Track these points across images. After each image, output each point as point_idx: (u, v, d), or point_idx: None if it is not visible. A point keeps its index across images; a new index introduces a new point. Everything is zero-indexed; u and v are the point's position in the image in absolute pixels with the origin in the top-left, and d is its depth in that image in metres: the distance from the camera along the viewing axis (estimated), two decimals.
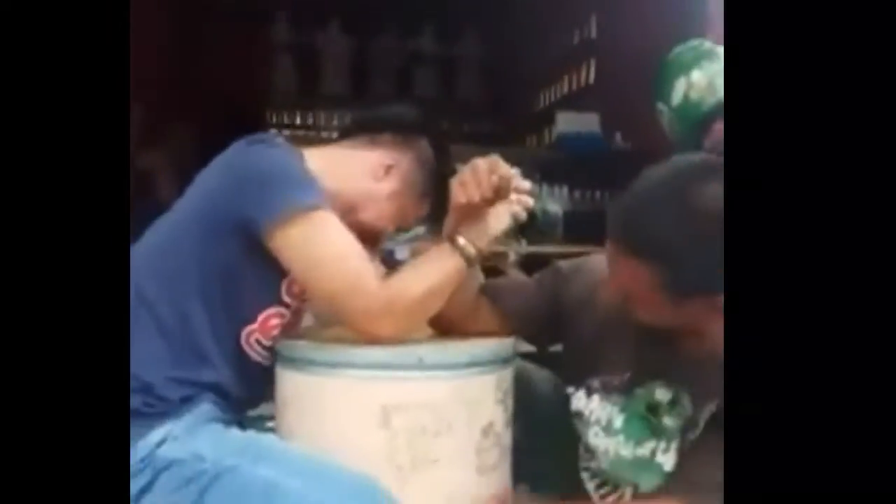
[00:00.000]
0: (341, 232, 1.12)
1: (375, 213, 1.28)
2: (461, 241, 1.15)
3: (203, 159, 1.20)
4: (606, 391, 1.21)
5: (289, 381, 1.16)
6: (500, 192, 1.15)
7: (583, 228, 3.24)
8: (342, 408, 1.10)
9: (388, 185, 1.28)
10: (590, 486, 1.27)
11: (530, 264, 3.18)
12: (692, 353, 1.13)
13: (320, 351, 1.13)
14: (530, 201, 1.18)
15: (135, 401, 1.05)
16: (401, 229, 1.52)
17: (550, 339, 1.36)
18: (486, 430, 1.13)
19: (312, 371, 1.12)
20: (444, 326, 1.26)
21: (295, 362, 1.14)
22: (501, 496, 1.17)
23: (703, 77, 1.85)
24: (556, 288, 1.29)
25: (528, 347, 1.36)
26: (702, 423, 1.13)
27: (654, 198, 1.06)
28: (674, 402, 1.15)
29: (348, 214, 1.22)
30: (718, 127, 2.01)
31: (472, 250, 1.16)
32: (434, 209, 1.30)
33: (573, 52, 4.29)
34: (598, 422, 1.22)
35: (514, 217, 1.17)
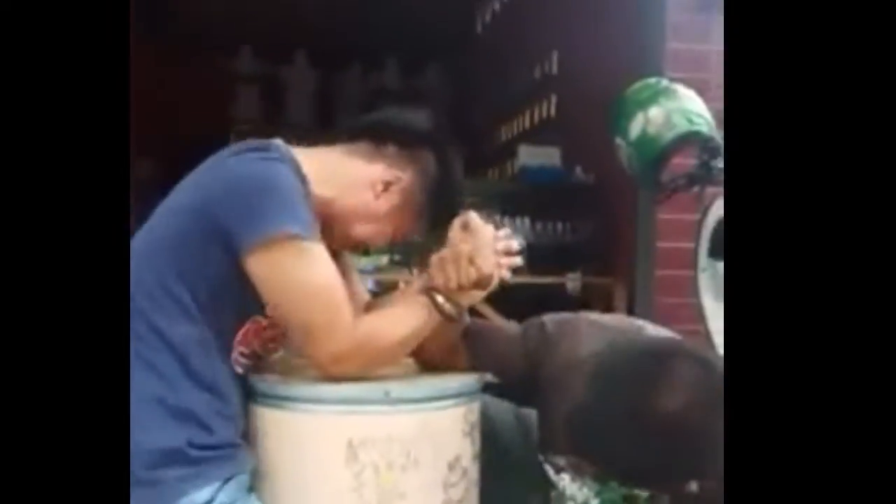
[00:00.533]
0: (324, 266, 1.08)
1: (369, 230, 1.22)
2: (440, 299, 1.14)
3: (166, 193, 1.17)
4: (577, 473, 1.19)
5: (257, 416, 1.15)
6: (480, 283, 1.14)
7: (545, 259, 3.29)
8: (309, 443, 1.10)
9: (387, 203, 1.20)
10: None
11: (494, 295, 3.19)
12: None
13: (286, 386, 1.13)
14: (519, 261, 1.17)
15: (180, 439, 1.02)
16: (366, 253, 1.48)
17: (524, 399, 1.32)
18: (453, 465, 1.13)
19: (278, 406, 1.11)
20: (423, 361, 1.26)
21: (261, 397, 1.14)
22: None
23: (661, 113, 1.91)
24: (537, 348, 1.24)
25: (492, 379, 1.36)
26: None
27: (607, 400, 0.98)
28: (651, 499, 1.13)
29: (340, 226, 1.18)
30: (675, 161, 2.07)
31: (451, 310, 1.14)
32: (431, 226, 1.25)
33: (535, 86, 4.37)
34: (573, 498, 1.20)
35: (501, 281, 1.16)
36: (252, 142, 1.14)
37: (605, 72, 3.00)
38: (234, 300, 1.09)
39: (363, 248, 1.28)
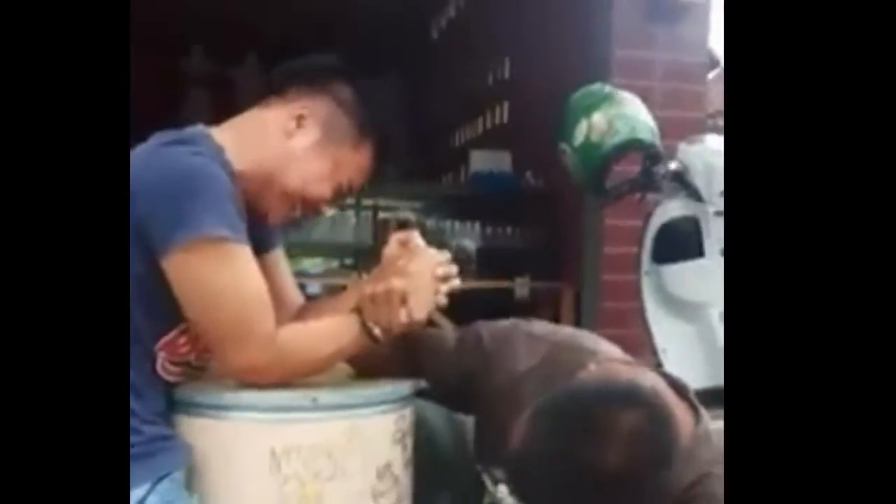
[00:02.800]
0: (247, 270, 1.03)
1: (300, 176, 1.12)
2: (371, 324, 1.10)
3: None
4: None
5: (181, 426, 1.11)
6: (411, 327, 1.11)
7: (494, 263, 3.30)
8: (232, 453, 1.06)
9: (305, 138, 1.12)
10: None
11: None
12: None
13: (208, 393, 1.09)
14: (457, 283, 1.14)
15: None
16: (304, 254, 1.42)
17: (459, 408, 1.30)
18: (383, 473, 1.11)
19: (202, 414, 1.08)
20: (356, 368, 1.23)
21: (184, 406, 1.10)
22: None
23: (604, 119, 1.91)
24: (473, 363, 1.21)
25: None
26: None
27: (546, 450, 0.90)
28: None
29: (271, 187, 1.11)
30: (620, 168, 2.08)
31: (379, 334, 1.10)
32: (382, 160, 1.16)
33: (488, 92, 4.38)
34: None
35: (438, 305, 1.13)
36: (178, 133, 1.08)
37: (555, 78, 3.02)
38: (153, 304, 1.04)
39: (313, 208, 1.17)
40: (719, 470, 1.04)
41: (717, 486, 1.03)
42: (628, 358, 1.17)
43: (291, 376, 1.09)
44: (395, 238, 1.17)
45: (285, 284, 1.28)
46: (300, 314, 1.26)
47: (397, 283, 1.08)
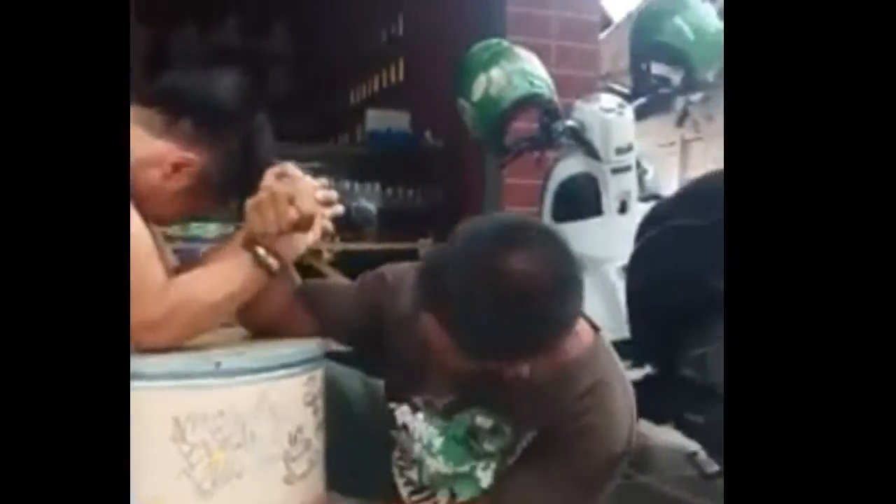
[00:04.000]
0: (133, 225, 0.99)
1: (157, 210, 1.13)
2: (261, 251, 1.07)
3: None
4: (429, 411, 1.18)
5: None
6: (301, 226, 1.07)
7: (396, 225, 3.27)
8: (134, 423, 1.00)
9: (176, 185, 1.12)
10: (404, 491, 1.25)
11: (345, 261, 3.16)
12: (512, 384, 1.08)
13: None
14: (340, 209, 1.13)
15: None
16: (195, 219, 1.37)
17: (368, 350, 1.28)
18: (294, 437, 1.08)
19: None
20: (256, 329, 1.19)
21: None
22: None
23: (502, 74, 1.92)
24: (378, 298, 1.21)
25: (338, 346, 1.32)
26: (519, 451, 1.13)
27: (458, 256, 0.98)
28: (494, 430, 1.13)
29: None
30: (519, 125, 2.09)
31: (273, 262, 1.08)
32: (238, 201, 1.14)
33: (382, 50, 4.30)
34: (420, 439, 1.18)
35: (324, 231, 1.11)
36: None
37: (450, 35, 2.99)
38: None
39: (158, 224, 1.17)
40: (615, 379, 1.10)
41: (615, 395, 1.09)
42: None
43: (189, 329, 1.04)
44: (270, 172, 1.13)
45: (161, 247, 1.22)
46: (181, 271, 1.20)
47: (280, 186, 1.06)
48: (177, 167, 1.11)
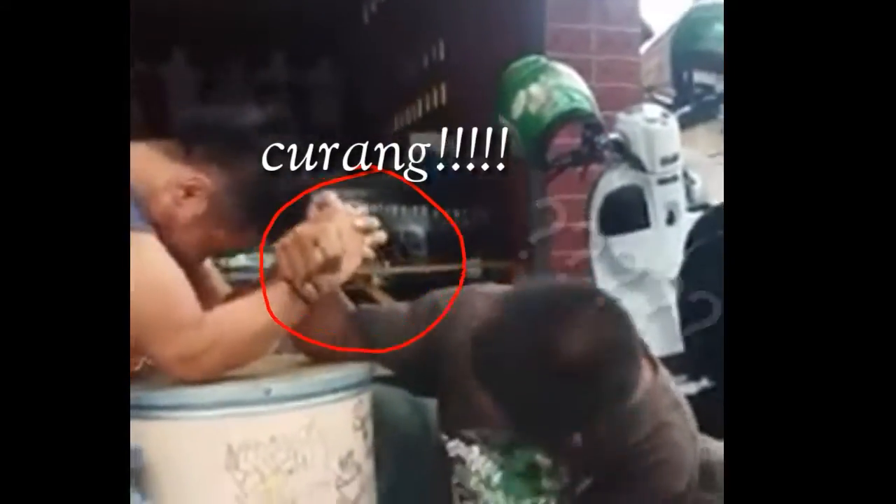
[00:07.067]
0: (158, 258, 0.99)
1: (174, 239, 1.08)
2: (297, 282, 1.07)
3: None
4: (486, 446, 1.16)
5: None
6: (329, 267, 1.07)
7: (445, 247, 3.28)
8: (186, 454, 1.02)
9: (189, 210, 1.09)
10: None
11: (395, 287, 3.17)
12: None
13: (154, 394, 1.04)
14: (382, 236, 1.13)
15: None
16: (223, 255, 1.37)
17: (419, 378, 1.25)
18: (345, 462, 1.08)
19: (149, 416, 1.03)
20: (313, 355, 1.20)
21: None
22: None
23: (542, 91, 1.91)
24: (431, 323, 1.19)
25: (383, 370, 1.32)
26: (578, 493, 1.11)
27: (511, 332, 0.95)
28: (553, 470, 1.11)
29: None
30: (561, 140, 2.08)
31: (311, 292, 1.07)
32: (261, 238, 1.14)
33: (424, 75, 4.34)
34: (477, 473, 1.17)
35: (365, 258, 1.12)
36: None
37: (491, 56, 3.00)
38: None
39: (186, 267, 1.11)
40: (677, 418, 1.07)
41: (677, 435, 1.06)
42: None
43: (229, 361, 1.05)
44: (313, 203, 1.14)
45: (209, 274, 1.24)
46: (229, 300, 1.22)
47: (303, 228, 1.07)
48: (189, 191, 1.09)
